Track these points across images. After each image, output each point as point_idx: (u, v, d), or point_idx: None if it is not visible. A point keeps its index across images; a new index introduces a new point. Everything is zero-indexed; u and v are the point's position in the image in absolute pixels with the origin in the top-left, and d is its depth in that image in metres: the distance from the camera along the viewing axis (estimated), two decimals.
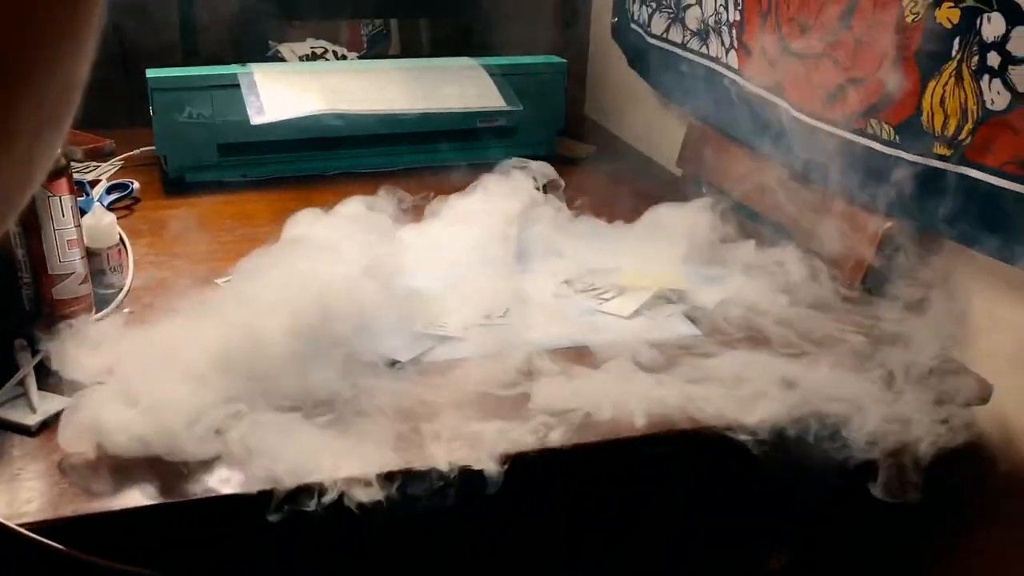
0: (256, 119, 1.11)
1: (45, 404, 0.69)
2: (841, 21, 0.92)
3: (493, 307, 0.86)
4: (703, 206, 1.07)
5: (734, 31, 1.15)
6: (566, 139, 1.42)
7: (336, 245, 0.87)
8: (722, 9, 1.18)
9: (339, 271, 0.80)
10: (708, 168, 1.25)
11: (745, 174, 1.15)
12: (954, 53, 0.79)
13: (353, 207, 0.98)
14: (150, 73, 1.16)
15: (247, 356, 0.68)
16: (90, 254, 0.87)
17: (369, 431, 0.67)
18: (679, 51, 1.30)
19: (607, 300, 0.89)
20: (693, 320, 0.87)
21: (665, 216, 1.06)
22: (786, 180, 1.07)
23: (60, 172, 0.76)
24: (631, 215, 1.13)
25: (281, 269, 0.79)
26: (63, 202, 0.77)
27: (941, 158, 0.83)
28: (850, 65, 0.92)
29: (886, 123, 0.88)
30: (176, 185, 1.19)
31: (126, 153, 1.28)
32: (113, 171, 1.24)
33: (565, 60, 1.35)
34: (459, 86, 1.23)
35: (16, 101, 0.21)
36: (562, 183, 1.13)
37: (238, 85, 1.18)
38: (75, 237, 0.79)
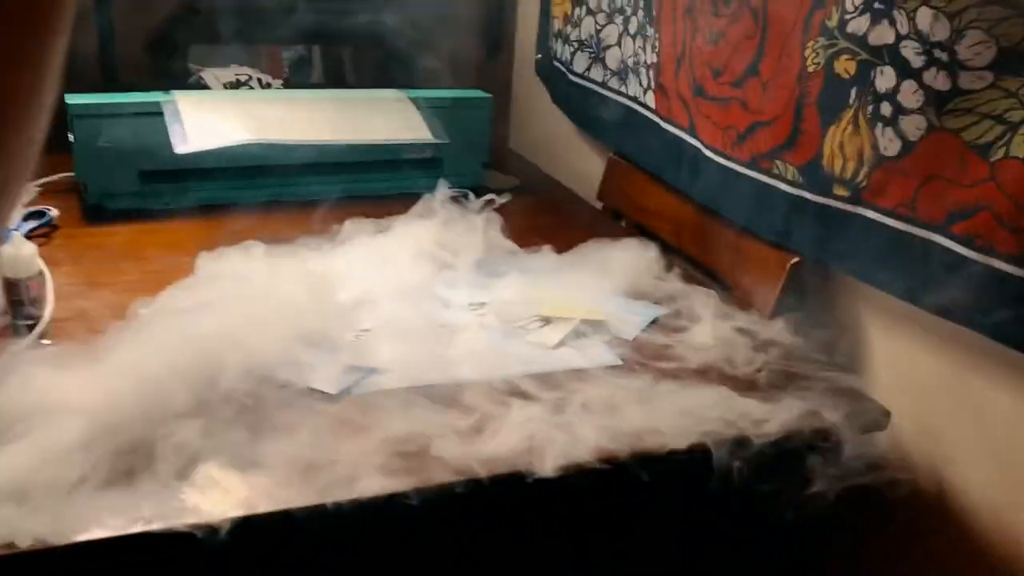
0: (180, 148, 1.11)
1: None
2: (749, 68, 0.98)
3: (419, 338, 0.88)
4: (627, 243, 1.11)
5: (651, 72, 1.20)
6: (491, 171, 1.45)
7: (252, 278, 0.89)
8: (640, 51, 1.23)
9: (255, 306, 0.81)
10: (627, 202, 1.30)
11: (663, 209, 1.20)
12: (851, 101, 0.85)
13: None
14: (70, 99, 1.15)
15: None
16: (8, 284, 0.86)
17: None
18: (600, 89, 1.35)
19: (533, 331, 0.92)
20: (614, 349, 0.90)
21: (590, 250, 1.10)
22: (700, 215, 1.12)
23: None
24: (553, 246, 1.17)
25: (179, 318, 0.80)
26: None
27: (840, 199, 0.89)
28: (758, 109, 0.98)
29: (791, 164, 0.94)
30: (96, 212, 1.18)
31: (44, 179, 1.26)
32: (30, 197, 1.22)
33: (490, 95, 1.38)
34: (386, 117, 1.25)
35: None
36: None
37: (161, 113, 1.18)
38: None
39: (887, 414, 0.82)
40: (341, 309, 0.91)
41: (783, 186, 0.95)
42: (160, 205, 1.21)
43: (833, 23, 0.86)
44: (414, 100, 1.31)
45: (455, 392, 0.80)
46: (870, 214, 0.86)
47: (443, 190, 1.17)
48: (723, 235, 1.08)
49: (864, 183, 0.86)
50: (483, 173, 1.43)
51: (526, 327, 0.93)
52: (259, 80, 1.57)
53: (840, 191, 0.89)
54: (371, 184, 1.31)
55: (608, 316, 0.95)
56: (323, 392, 0.78)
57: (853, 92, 0.85)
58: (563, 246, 1.16)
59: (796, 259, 0.96)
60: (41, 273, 0.89)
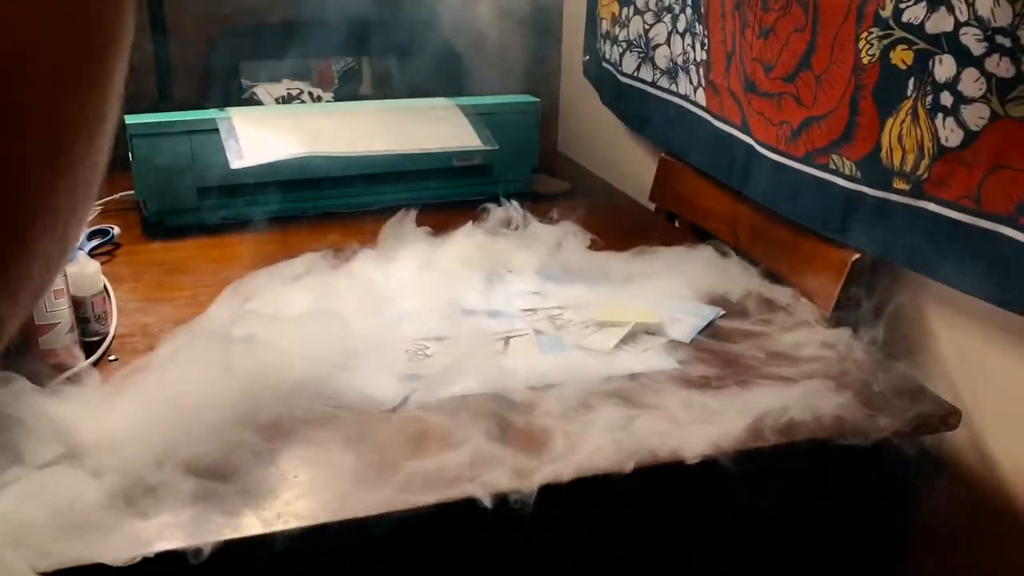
0: (236, 163, 1.13)
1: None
2: (802, 62, 0.96)
3: (474, 346, 0.89)
4: (684, 244, 1.10)
5: (701, 70, 1.19)
6: (541, 175, 1.45)
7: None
8: (689, 49, 1.22)
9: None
10: (681, 202, 1.29)
11: (717, 208, 1.19)
12: (910, 92, 0.83)
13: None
14: (129, 119, 1.18)
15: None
16: (75, 302, 0.88)
17: None
18: (650, 89, 1.34)
19: (587, 336, 0.91)
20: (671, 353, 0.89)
21: (647, 253, 1.10)
22: (756, 214, 1.11)
23: None
24: (606, 249, 1.16)
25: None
26: None
27: (900, 192, 0.86)
28: (811, 103, 0.96)
29: (848, 158, 0.92)
30: (156, 229, 1.21)
31: (105, 198, 1.29)
32: (92, 215, 1.26)
33: (538, 99, 1.38)
34: (435, 126, 1.26)
35: (61, 187, 0.23)
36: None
37: (217, 130, 1.20)
38: (61, 287, 0.80)
39: (956, 413, 0.80)
40: (395, 319, 0.92)
41: (840, 181, 0.93)
42: (218, 219, 1.23)
43: (887, 12, 0.84)
44: (462, 108, 1.31)
45: (512, 399, 0.80)
46: (932, 207, 0.83)
47: (494, 200, 1.18)
48: (780, 233, 1.06)
49: (925, 175, 0.83)
50: (533, 178, 1.43)
51: (581, 332, 0.92)
52: (310, 93, 1.59)
53: (900, 184, 0.86)
54: (423, 192, 1.31)
55: (663, 319, 0.94)
56: (380, 403, 0.79)
57: (911, 83, 0.83)
58: (615, 249, 1.16)
59: (857, 256, 0.94)
60: (105, 290, 0.91)
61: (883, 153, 0.87)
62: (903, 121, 0.84)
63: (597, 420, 0.76)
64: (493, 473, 0.69)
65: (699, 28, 1.18)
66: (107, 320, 0.90)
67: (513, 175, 1.38)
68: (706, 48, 1.16)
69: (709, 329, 0.94)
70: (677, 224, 1.31)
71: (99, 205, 1.28)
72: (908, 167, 0.85)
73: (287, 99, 1.54)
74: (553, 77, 1.75)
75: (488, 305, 0.97)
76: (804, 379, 0.83)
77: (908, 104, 0.83)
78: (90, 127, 0.24)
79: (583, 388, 0.81)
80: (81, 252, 0.98)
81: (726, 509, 0.80)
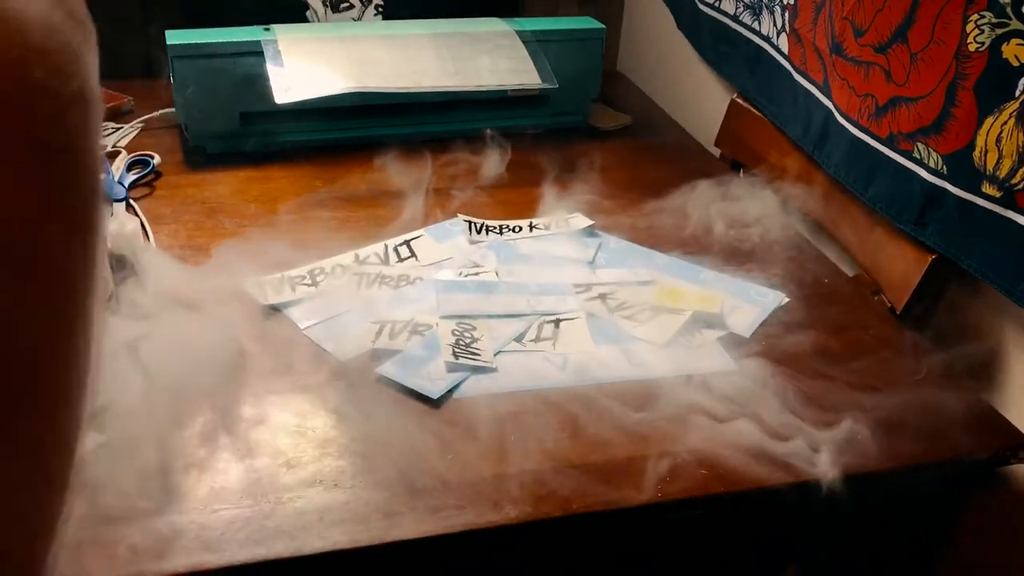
0: (280, 97, 1.07)
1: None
2: (897, 32, 0.87)
3: (524, 328, 0.86)
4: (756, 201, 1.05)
5: (787, 14, 1.09)
6: (599, 106, 1.37)
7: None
8: None
9: None
10: (749, 153, 1.21)
11: (790, 168, 1.12)
12: (1018, 93, 0.75)
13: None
14: (170, 39, 1.12)
15: None
16: (114, 258, 0.86)
17: None
18: (730, 23, 1.24)
19: (642, 323, 0.88)
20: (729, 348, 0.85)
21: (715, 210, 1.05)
22: (832, 183, 1.04)
23: None
24: (663, 199, 1.11)
25: None
26: None
27: (989, 198, 0.80)
28: (903, 81, 0.88)
29: (935, 150, 0.85)
30: (197, 156, 1.17)
31: (145, 115, 1.25)
32: (133, 134, 1.22)
33: (604, 27, 1.29)
34: (491, 58, 1.18)
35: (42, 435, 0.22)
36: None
37: (261, 53, 1.14)
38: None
39: None
40: (438, 293, 0.89)
41: (923, 173, 0.86)
42: (261, 147, 1.19)
43: None
44: (521, 35, 1.23)
45: (554, 398, 0.77)
46: (1022, 221, 0.77)
47: (549, 132, 1.12)
48: (855, 211, 1.00)
49: (1021, 185, 0.76)
50: (591, 108, 1.35)
51: (635, 316, 0.89)
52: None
53: (990, 190, 0.79)
54: (474, 123, 1.25)
55: (724, 307, 0.90)
56: (423, 396, 0.77)
57: (1021, 83, 0.75)
58: (671, 199, 1.11)
59: (936, 256, 0.88)
60: (144, 231, 0.88)
61: (976, 152, 0.80)
62: (1005, 123, 0.77)
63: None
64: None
65: None
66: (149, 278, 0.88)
67: (570, 106, 1.31)
68: None
69: (772, 318, 0.90)
70: (742, 174, 1.24)
71: (140, 123, 1.24)
72: (1002, 173, 0.78)
73: (336, 5, 1.46)
74: None
75: (538, 278, 0.94)
76: (870, 391, 0.79)
77: (1014, 106, 0.75)
78: (61, 386, 0.22)
79: (643, 390, 0.78)
80: (121, 210, 0.95)
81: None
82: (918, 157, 0.87)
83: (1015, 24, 0.74)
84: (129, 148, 1.17)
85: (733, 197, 1.12)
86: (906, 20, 0.86)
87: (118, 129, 1.22)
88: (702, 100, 1.36)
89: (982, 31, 0.77)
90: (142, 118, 1.24)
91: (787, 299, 0.93)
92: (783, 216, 1.13)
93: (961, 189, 0.83)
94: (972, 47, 0.78)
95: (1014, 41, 0.75)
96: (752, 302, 0.92)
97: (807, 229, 1.14)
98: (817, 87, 1.03)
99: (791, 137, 1.10)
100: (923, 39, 0.84)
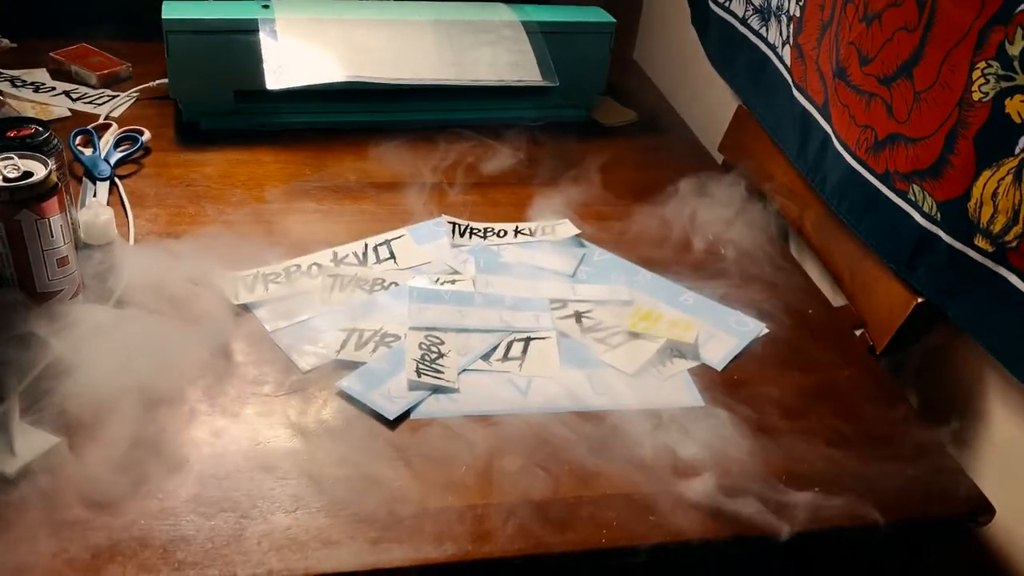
0: (272, 83, 1.05)
1: (29, 443, 0.69)
2: (903, 68, 0.84)
3: (493, 345, 0.84)
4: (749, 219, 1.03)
5: (792, 26, 1.05)
6: (606, 99, 1.34)
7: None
8: None
9: None
10: (750, 163, 1.18)
11: (788, 183, 1.09)
12: (1017, 151, 0.72)
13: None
14: (166, 12, 1.10)
15: None
16: (86, 248, 0.86)
17: None
18: (738, 26, 1.20)
19: (613, 348, 0.86)
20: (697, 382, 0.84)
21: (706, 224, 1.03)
22: (823, 207, 1.01)
23: (51, 192, 0.74)
24: (658, 207, 1.09)
25: None
26: (52, 223, 0.74)
27: (981, 251, 0.77)
28: (904, 119, 0.84)
29: (930, 195, 0.81)
30: (189, 132, 1.15)
31: (142, 85, 1.23)
32: (127, 104, 1.20)
33: (614, 19, 1.25)
34: (493, 50, 1.15)
35: None
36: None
37: (257, 30, 1.11)
38: (65, 254, 0.77)
39: (989, 509, 0.74)
40: (411, 302, 0.87)
41: (917, 216, 0.83)
42: (255, 126, 1.17)
43: (1015, 50, 0.71)
44: (527, 26, 1.19)
45: (510, 427, 0.76)
46: (1013, 279, 0.74)
47: (551, 124, 1.09)
48: (847, 240, 0.97)
49: (1014, 244, 0.73)
50: (598, 100, 1.32)
51: (607, 340, 0.87)
52: None
53: (982, 243, 0.76)
54: (474, 113, 1.23)
55: (700, 335, 0.88)
56: (379, 415, 0.76)
57: (1023, 142, 0.71)
58: (666, 208, 1.08)
59: (922, 300, 0.85)
60: (123, 209, 0.87)
61: (971, 203, 0.77)
62: (1003, 179, 0.73)
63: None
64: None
65: None
66: (117, 271, 0.87)
67: (575, 99, 1.28)
68: (801, 5, 1.02)
69: (748, 350, 0.88)
70: (743, 187, 1.21)
71: (136, 91, 1.22)
72: (996, 228, 0.75)
73: None
74: None
75: (516, 291, 0.92)
76: (836, 441, 0.78)
77: (1013, 163, 0.72)
78: None
79: (602, 423, 0.77)
80: (94, 200, 0.93)
81: None
82: (913, 199, 0.84)
83: (1020, 79, 0.70)
84: (121, 120, 1.16)
85: (728, 211, 1.09)
86: (913, 56, 0.82)
87: (114, 97, 1.21)
88: (713, 101, 1.33)
89: (987, 81, 0.74)
90: (139, 87, 1.23)
91: (766, 330, 0.91)
92: (776, 236, 1.10)
93: (953, 238, 0.80)
94: (976, 96, 0.75)
95: (1018, 97, 0.71)
96: (730, 331, 0.90)
97: (799, 250, 1.12)
98: (816, 108, 1.00)
99: (787, 154, 1.07)
100: (928, 79, 0.80)
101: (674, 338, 0.87)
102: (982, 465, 0.82)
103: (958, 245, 0.79)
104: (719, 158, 1.26)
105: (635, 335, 0.87)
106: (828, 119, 0.97)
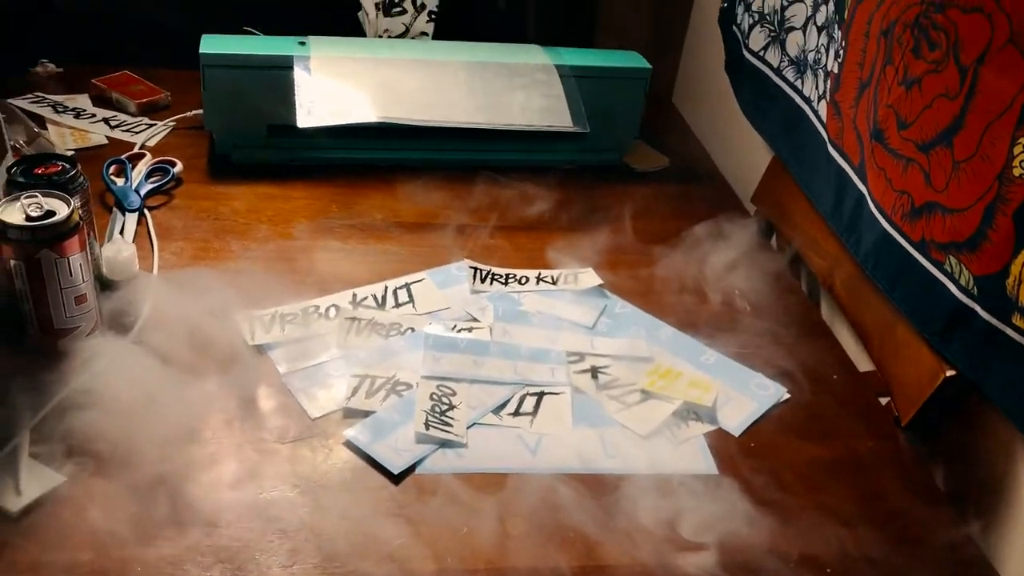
0: (303, 121, 1.06)
1: (34, 481, 0.69)
2: (943, 136, 0.81)
3: (506, 398, 0.83)
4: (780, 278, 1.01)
5: (829, 82, 1.03)
6: (640, 143, 1.33)
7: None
8: (823, 50, 1.05)
9: None
10: (783, 217, 1.16)
11: (821, 240, 1.06)
12: None
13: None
14: (204, 47, 1.11)
15: None
16: (106, 285, 0.86)
17: None
18: (773, 76, 1.18)
19: (628, 407, 0.84)
20: (713, 449, 0.81)
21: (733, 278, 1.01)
22: (855, 268, 0.98)
23: (72, 231, 0.74)
24: (685, 258, 1.07)
25: None
26: (71, 262, 0.75)
27: (1019, 331, 0.74)
28: (942, 188, 0.81)
29: (967, 268, 0.79)
30: (221, 163, 1.16)
31: (178, 114, 1.25)
32: (164, 133, 1.22)
33: (649, 66, 1.23)
34: (526, 94, 1.14)
35: None
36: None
37: (292, 68, 1.12)
38: (84, 292, 0.77)
39: None
40: (425, 349, 0.86)
41: (953, 288, 0.81)
42: (286, 160, 1.17)
43: None
44: (560, 70, 1.19)
45: (515, 487, 0.74)
46: None
47: (583, 167, 1.08)
48: (879, 303, 0.94)
49: None
50: (631, 143, 1.30)
51: (622, 398, 0.85)
52: (413, 1, 1.47)
53: (1021, 322, 0.73)
54: (505, 154, 1.22)
55: (718, 398, 0.85)
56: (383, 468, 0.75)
57: None
58: (693, 259, 1.06)
59: (952, 373, 0.82)
60: (149, 238, 0.87)
61: (1009, 281, 0.74)
62: None
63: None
64: None
65: (838, 33, 1.01)
66: (137, 305, 0.87)
67: (608, 143, 1.27)
68: (840, 61, 1.00)
69: (768, 414, 0.85)
70: (774, 241, 1.18)
71: (172, 121, 1.24)
72: None
73: (388, 8, 1.43)
74: (683, 10, 1.57)
75: (533, 341, 0.91)
76: (853, 521, 0.75)
77: None
78: None
79: (610, 487, 0.75)
80: (118, 236, 0.94)
81: None
82: (949, 271, 0.81)
83: None
84: (156, 149, 1.17)
85: (757, 267, 1.07)
86: (953, 125, 0.80)
87: (151, 126, 1.22)
88: (747, 149, 1.30)
89: None
90: (175, 117, 1.24)
91: (788, 395, 0.88)
92: (806, 295, 1.08)
93: (991, 314, 0.77)
94: (1016, 172, 0.72)
95: None
96: (750, 394, 0.87)
97: (828, 309, 1.09)
98: (852, 167, 0.97)
99: (821, 211, 1.04)
100: (968, 149, 0.78)
101: (692, 400, 0.85)
102: (1010, 552, 0.78)
103: (995, 322, 0.76)
104: (751, 208, 1.24)
105: (651, 394, 0.85)
106: (864, 180, 0.94)
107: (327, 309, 0.92)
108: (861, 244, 0.95)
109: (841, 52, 1.00)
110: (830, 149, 1.02)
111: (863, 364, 0.97)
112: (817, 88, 1.06)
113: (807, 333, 0.99)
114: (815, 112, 1.07)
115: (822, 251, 1.06)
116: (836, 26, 1.01)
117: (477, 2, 1.55)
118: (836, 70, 1.01)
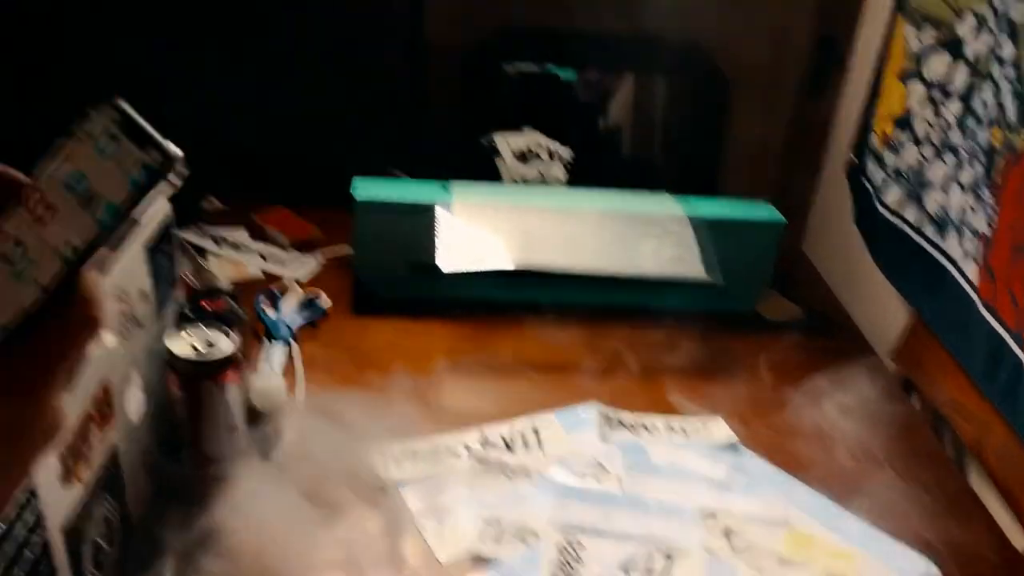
0: (445, 267, 1.11)
1: None
2: None
3: (634, 555, 0.81)
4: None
5: (980, 245, 1.00)
6: (773, 293, 1.32)
7: None
8: (970, 211, 1.03)
9: None
10: (927, 378, 1.11)
11: (968, 403, 1.01)
12: None
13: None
14: (359, 193, 1.18)
15: None
16: (252, 414, 0.91)
17: None
18: (913, 234, 1.16)
19: (762, 574, 0.81)
20: None
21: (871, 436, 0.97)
22: (1012, 439, 0.93)
23: (228, 362, 0.79)
24: (820, 413, 1.04)
25: None
26: (229, 393, 0.79)
27: None
28: None
29: None
30: (366, 298, 1.22)
31: (327, 250, 1.32)
32: (312, 268, 1.29)
33: (783, 221, 1.24)
34: (658, 243, 1.16)
35: None
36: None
37: (435, 211, 1.18)
38: (235, 422, 0.81)
39: None
40: (555, 498, 0.86)
41: None
42: (426, 294, 1.22)
43: None
44: (692, 219, 1.21)
45: None
46: None
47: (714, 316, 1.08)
48: None
49: None
50: (763, 294, 1.30)
51: (758, 565, 0.82)
52: (548, 150, 1.54)
53: None
54: (637, 299, 1.23)
55: (861, 569, 0.81)
56: None
57: None
58: (828, 415, 1.03)
59: None
60: (283, 407, 0.92)
61: None
62: None
63: None
64: None
65: (987, 195, 0.99)
66: (281, 432, 0.91)
67: (739, 292, 1.26)
68: (992, 225, 0.98)
69: None
70: (915, 399, 1.14)
71: (322, 257, 1.31)
72: None
73: (524, 156, 1.50)
74: (813, 157, 1.58)
75: (663, 494, 0.89)
76: None
77: None
78: None
79: None
80: (266, 365, 0.99)
81: None
82: None
83: None
84: (305, 283, 1.24)
85: (897, 425, 1.03)
86: None
87: (302, 261, 1.30)
88: (883, 302, 1.28)
89: None
90: (324, 249, 1.32)
91: (938, 573, 0.83)
92: (956, 464, 1.02)
93: None
94: None
95: None
96: (896, 568, 0.83)
97: (977, 477, 1.03)
98: (1008, 331, 0.94)
99: (972, 375, 1.00)
100: None
101: (833, 571, 0.81)
102: None
103: None
104: (890, 364, 1.20)
105: (790, 562, 0.82)
106: (1022, 346, 0.91)
107: (457, 447, 0.93)
108: (1019, 414, 0.90)
109: (993, 215, 0.98)
110: (983, 311, 0.99)
111: (1018, 539, 0.91)
112: (964, 248, 1.04)
113: (955, 502, 0.94)
114: (961, 272, 1.05)
115: (969, 414, 1.02)
116: (985, 188, 1.00)
117: (606, 150, 1.61)
118: (988, 233, 0.99)
